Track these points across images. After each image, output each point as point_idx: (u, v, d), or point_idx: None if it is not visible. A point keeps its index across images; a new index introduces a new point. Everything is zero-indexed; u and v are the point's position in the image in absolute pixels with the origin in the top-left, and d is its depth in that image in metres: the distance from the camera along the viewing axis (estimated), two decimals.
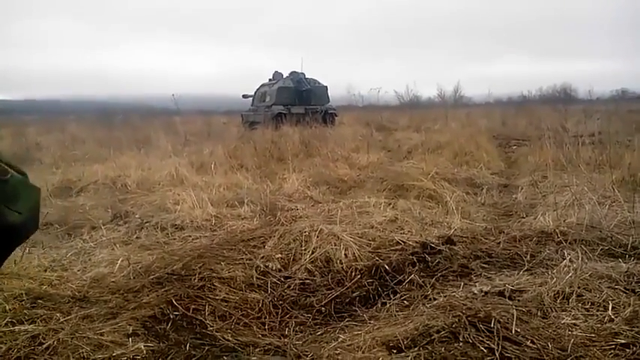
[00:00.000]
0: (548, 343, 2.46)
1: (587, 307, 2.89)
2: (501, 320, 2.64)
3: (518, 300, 3.06)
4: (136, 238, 5.10)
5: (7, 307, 3.20)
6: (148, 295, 3.41)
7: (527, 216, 5.48)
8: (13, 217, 0.77)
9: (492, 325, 2.59)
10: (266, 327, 3.24)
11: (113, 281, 3.77)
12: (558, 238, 4.24)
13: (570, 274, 3.22)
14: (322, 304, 3.51)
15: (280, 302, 3.53)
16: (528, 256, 3.89)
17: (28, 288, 3.51)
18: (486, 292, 3.23)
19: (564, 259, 3.59)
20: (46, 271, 3.97)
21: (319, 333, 3.10)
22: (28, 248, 4.25)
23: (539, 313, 2.84)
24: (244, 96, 22.83)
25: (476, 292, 3.26)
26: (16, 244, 0.83)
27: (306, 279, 3.84)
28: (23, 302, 3.31)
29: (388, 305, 3.30)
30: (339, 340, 2.79)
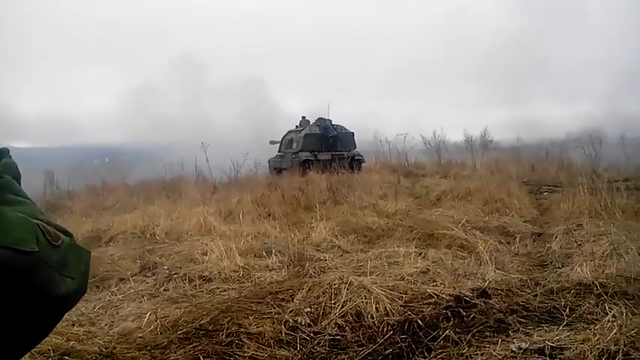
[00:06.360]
0: None
1: None
2: None
3: (560, 358, 2.92)
4: (164, 290, 5.06)
5: None
6: (175, 352, 3.35)
7: (563, 266, 5.29)
8: (67, 283, 0.76)
9: None
10: None
11: (140, 336, 3.72)
12: (598, 290, 4.08)
13: (615, 331, 3.06)
14: None
15: None
16: (567, 310, 3.75)
17: (56, 344, 3.48)
18: (525, 350, 3.09)
19: (607, 314, 3.44)
20: (74, 325, 3.95)
21: None
22: None
23: None
24: (272, 142, 23.05)
25: (514, 349, 3.12)
26: (67, 309, 0.81)
27: (336, 335, 3.73)
28: (50, 359, 3.28)
29: None
30: None
